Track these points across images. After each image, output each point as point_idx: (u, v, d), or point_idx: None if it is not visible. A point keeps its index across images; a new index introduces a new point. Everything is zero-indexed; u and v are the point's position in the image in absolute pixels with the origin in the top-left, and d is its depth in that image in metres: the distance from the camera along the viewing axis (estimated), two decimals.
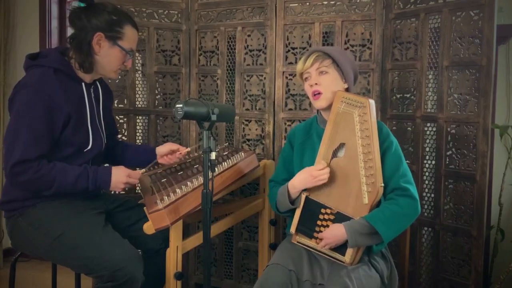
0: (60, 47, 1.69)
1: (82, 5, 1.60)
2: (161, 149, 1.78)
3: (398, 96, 1.99)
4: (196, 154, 1.95)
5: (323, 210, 1.52)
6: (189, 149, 1.77)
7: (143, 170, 1.72)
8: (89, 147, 1.63)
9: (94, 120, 1.67)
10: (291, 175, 1.66)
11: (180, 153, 1.75)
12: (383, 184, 1.46)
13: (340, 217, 1.48)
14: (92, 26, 1.57)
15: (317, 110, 1.66)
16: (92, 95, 1.68)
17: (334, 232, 1.46)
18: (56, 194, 1.55)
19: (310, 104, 2.09)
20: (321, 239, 1.50)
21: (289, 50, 2.11)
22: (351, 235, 1.42)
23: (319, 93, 1.55)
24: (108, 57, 1.61)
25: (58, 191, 1.52)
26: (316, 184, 1.50)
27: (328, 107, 1.57)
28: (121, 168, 1.61)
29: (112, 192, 2.21)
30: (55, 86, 1.52)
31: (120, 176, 1.58)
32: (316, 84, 1.56)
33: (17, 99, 1.51)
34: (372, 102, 1.50)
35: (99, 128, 1.69)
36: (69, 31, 3.13)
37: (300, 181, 1.53)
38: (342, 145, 1.53)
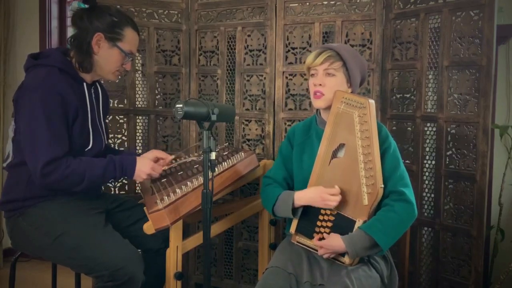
0: (61, 47, 1.70)
1: (83, 6, 1.61)
2: (147, 155, 1.74)
3: (398, 96, 1.99)
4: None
5: (322, 211, 1.52)
6: (173, 156, 1.74)
7: (170, 158, 1.72)
8: (90, 146, 1.64)
9: (94, 120, 1.67)
10: (290, 174, 1.66)
11: (164, 161, 1.72)
12: (383, 185, 1.46)
13: (339, 218, 1.48)
14: (93, 27, 1.58)
15: (316, 110, 1.66)
16: (93, 95, 1.69)
17: (333, 246, 1.45)
18: (86, 189, 1.54)
19: (310, 104, 2.09)
20: (320, 239, 1.49)
21: (289, 50, 2.11)
22: (351, 250, 1.42)
23: (321, 94, 1.55)
24: (107, 58, 1.62)
25: (88, 184, 1.53)
26: (323, 207, 1.50)
27: (328, 108, 1.56)
28: (146, 160, 1.63)
29: (112, 192, 2.22)
30: (63, 84, 1.53)
31: (145, 167, 1.60)
32: (320, 84, 1.54)
33: (27, 100, 1.50)
34: (372, 102, 1.49)
35: (99, 128, 1.70)
36: (69, 31, 3.14)
37: (308, 198, 1.51)
38: (341, 145, 1.53)
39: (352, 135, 1.50)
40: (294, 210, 1.55)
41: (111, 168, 1.56)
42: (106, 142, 1.76)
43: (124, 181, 2.22)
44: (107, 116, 2.21)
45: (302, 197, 1.53)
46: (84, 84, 1.64)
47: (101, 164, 1.55)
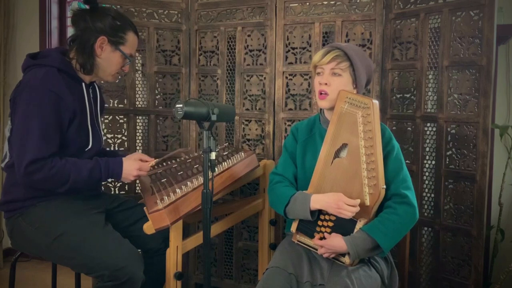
0: (60, 47, 1.70)
1: (83, 6, 1.61)
2: (131, 157, 1.73)
3: (398, 96, 1.99)
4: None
5: (324, 211, 1.52)
6: (154, 161, 1.73)
7: (153, 163, 1.71)
8: (90, 146, 1.64)
9: (93, 119, 1.68)
10: (297, 170, 1.65)
11: (148, 162, 1.70)
12: (384, 186, 1.46)
13: (341, 218, 1.48)
14: (96, 29, 1.58)
15: (320, 109, 1.66)
16: (91, 95, 1.69)
17: (334, 246, 1.44)
18: (71, 189, 1.54)
19: (310, 104, 2.09)
20: (321, 238, 1.49)
21: (289, 50, 2.11)
22: (353, 251, 1.42)
23: (325, 94, 1.54)
24: (108, 60, 1.63)
25: (73, 185, 1.53)
26: (336, 214, 1.47)
27: (332, 108, 1.56)
28: (132, 160, 1.63)
29: (112, 192, 2.22)
30: (61, 85, 1.53)
31: (131, 169, 1.60)
32: (326, 84, 1.53)
33: (23, 98, 1.50)
34: (376, 103, 1.49)
35: (97, 128, 1.70)
36: (69, 31, 3.14)
37: (325, 202, 1.48)
38: (344, 145, 1.53)
39: (355, 135, 1.50)
40: (311, 212, 1.51)
41: (97, 170, 1.56)
42: (103, 142, 1.76)
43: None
44: (107, 117, 2.23)
45: (319, 201, 1.49)
46: (83, 84, 1.65)
47: (87, 167, 1.54)
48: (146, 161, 1.71)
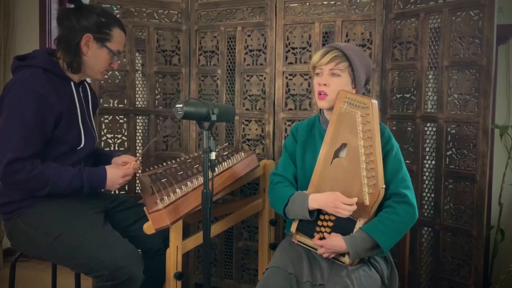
0: (47, 48, 1.70)
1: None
2: (116, 160, 1.75)
3: (398, 96, 1.99)
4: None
5: (324, 210, 1.52)
6: (138, 161, 1.71)
7: (135, 163, 1.69)
8: (82, 145, 1.64)
9: (84, 118, 1.68)
10: (297, 170, 1.65)
11: (130, 164, 1.69)
12: (384, 186, 1.46)
13: (340, 218, 1.48)
14: (81, 27, 1.58)
15: (320, 109, 1.66)
16: (81, 94, 1.69)
17: (334, 245, 1.44)
18: (51, 194, 1.54)
19: (310, 104, 2.09)
20: (320, 238, 1.49)
21: (289, 50, 2.11)
22: (353, 250, 1.42)
23: (325, 94, 1.54)
24: (96, 58, 1.63)
25: (52, 191, 1.52)
26: (334, 213, 1.47)
27: (331, 108, 1.56)
28: (115, 169, 1.63)
29: (112, 192, 2.22)
30: (45, 85, 1.53)
31: (116, 178, 1.61)
32: (325, 84, 1.53)
33: (7, 99, 1.51)
34: (375, 102, 1.49)
35: (90, 127, 1.70)
36: None
37: (323, 202, 1.48)
38: (344, 145, 1.53)
39: (354, 135, 1.50)
40: (310, 211, 1.51)
41: (78, 179, 1.55)
42: (97, 140, 1.75)
43: None
44: (107, 117, 2.23)
45: (317, 200, 1.49)
46: (72, 83, 1.64)
47: (68, 175, 1.54)
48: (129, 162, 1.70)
